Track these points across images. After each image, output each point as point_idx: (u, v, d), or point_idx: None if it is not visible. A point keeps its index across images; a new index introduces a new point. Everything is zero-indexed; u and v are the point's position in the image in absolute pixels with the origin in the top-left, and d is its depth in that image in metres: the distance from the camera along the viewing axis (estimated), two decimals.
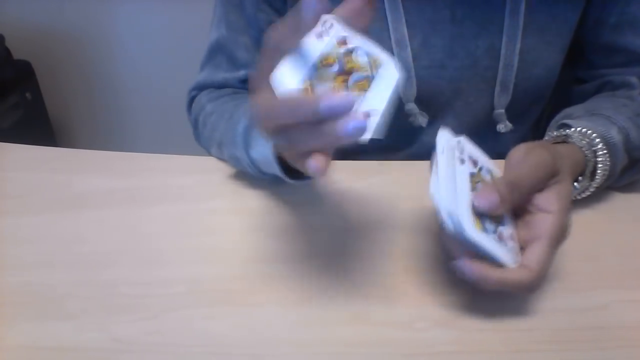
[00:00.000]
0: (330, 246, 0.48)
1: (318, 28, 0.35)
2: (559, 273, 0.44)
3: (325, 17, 0.35)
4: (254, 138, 0.49)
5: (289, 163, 0.44)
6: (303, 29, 0.34)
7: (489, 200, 0.37)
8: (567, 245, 0.46)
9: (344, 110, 0.30)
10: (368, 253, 0.46)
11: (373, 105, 0.34)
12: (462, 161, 0.40)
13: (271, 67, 0.34)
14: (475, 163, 0.41)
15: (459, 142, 0.40)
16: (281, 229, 0.50)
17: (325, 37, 0.35)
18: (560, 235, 0.39)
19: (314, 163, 0.34)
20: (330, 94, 0.31)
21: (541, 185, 0.41)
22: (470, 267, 0.37)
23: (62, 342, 0.40)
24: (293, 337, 0.40)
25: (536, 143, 0.43)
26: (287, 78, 0.33)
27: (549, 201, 0.40)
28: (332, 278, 0.44)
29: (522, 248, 0.39)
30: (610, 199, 0.52)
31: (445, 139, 0.39)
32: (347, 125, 0.30)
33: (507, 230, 0.39)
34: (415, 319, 0.41)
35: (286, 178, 0.47)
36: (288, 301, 0.42)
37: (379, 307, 0.42)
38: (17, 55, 1.49)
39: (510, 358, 0.38)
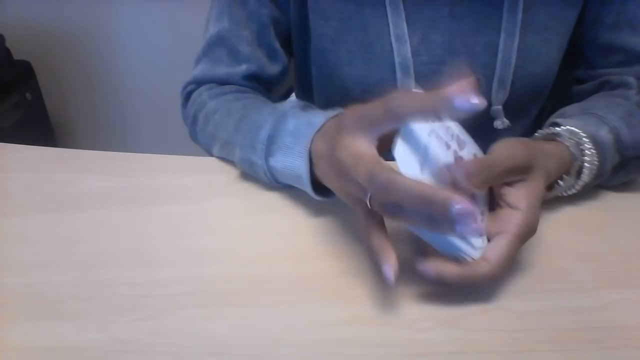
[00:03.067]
0: (331, 246, 0.48)
1: (443, 133, 0.38)
2: (559, 273, 0.44)
3: (449, 124, 0.39)
4: (278, 147, 0.49)
5: (319, 180, 0.46)
6: (428, 110, 0.35)
7: (455, 170, 0.37)
8: (568, 245, 0.47)
9: (470, 219, 0.33)
10: (368, 253, 0.46)
11: None
12: (448, 146, 0.40)
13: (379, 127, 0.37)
14: (461, 145, 0.41)
15: (448, 127, 0.41)
16: (281, 229, 0.50)
17: (452, 147, 0.39)
18: (525, 232, 0.40)
19: (389, 270, 0.38)
20: (462, 199, 0.33)
21: (513, 175, 0.41)
22: (428, 267, 0.38)
23: (62, 342, 0.40)
24: (293, 337, 0.40)
25: (520, 139, 0.44)
26: (411, 165, 0.36)
27: (517, 198, 0.41)
28: (333, 278, 0.44)
29: (488, 240, 0.40)
30: (611, 199, 0.52)
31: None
32: (467, 229, 0.33)
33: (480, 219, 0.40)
34: (416, 319, 0.41)
35: (315, 195, 0.48)
36: (288, 301, 0.42)
37: (379, 307, 0.42)
38: (17, 55, 1.49)
39: (510, 358, 0.38)
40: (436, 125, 0.39)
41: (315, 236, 0.49)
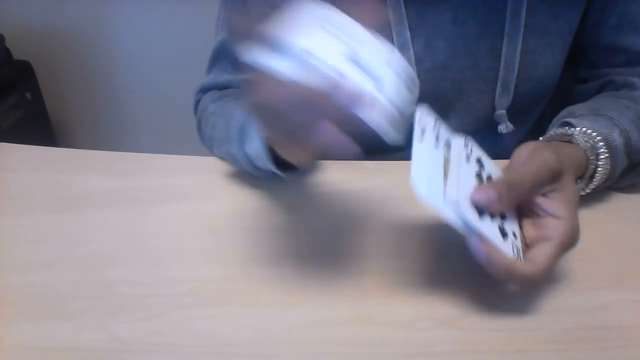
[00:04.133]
0: (331, 246, 0.48)
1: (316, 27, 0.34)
2: (559, 273, 0.44)
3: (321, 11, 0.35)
4: (249, 133, 0.49)
5: (281, 157, 0.45)
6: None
7: (486, 196, 0.38)
8: None
9: (361, 100, 0.31)
10: (368, 253, 0.46)
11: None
12: (468, 159, 0.40)
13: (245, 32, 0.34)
14: (479, 163, 0.41)
15: (466, 141, 0.41)
16: (281, 229, 0.50)
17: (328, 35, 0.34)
18: (570, 240, 0.40)
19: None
20: (345, 86, 0.31)
21: (544, 185, 0.41)
22: (481, 247, 0.37)
23: (62, 342, 0.40)
24: (293, 337, 0.40)
25: (543, 143, 0.43)
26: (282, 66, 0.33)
27: (556, 206, 0.40)
28: (333, 278, 0.44)
29: (530, 247, 0.40)
30: (611, 199, 0.52)
31: (424, 117, 0.40)
32: (370, 115, 0.31)
33: (509, 226, 0.40)
34: (416, 319, 0.41)
35: (278, 171, 0.48)
36: (288, 301, 0.42)
37: (379, 307, 0.42)
38: (17, 55, 1.49)
39: (510, 358, 0.38)
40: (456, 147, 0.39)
41: (315, 236, 0.49)
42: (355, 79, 0.33)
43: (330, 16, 0.35)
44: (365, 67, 0.33)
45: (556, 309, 0.41)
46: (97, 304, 0.42)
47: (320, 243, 0.48)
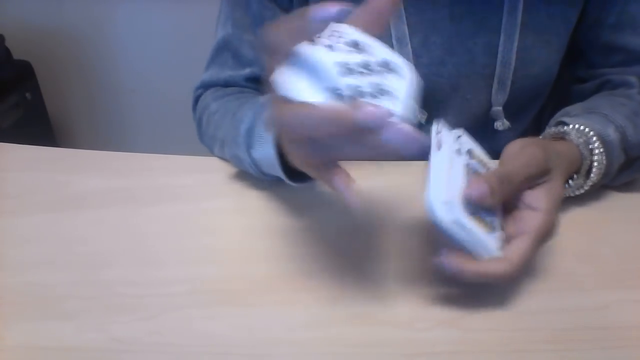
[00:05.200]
0: (330, 246, 0.48)
1: (325, 39, 0.34)
2: (559, 273, 0.44)
3: (334, 26, 0.34)
4: (256, 138, 0.49)
5: (291, 165, 0.44)
6: (306, 33, 0.33)
7: (478, 190, 0.38)
8: (568, 245, 0.47)
9: (382, 121, 0.30)
10: (367, 253, 0.46)
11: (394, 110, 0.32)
12: (459, 152, 0.40)
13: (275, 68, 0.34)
14: (471, 155, 0.41)
15: (459, 136, 0.41)
16: (281, 229, 0.50)
17: (337, 50, 0.34)
18: (545, 233, 0.40)
19: (339, 181, 0.35)
20: (364, 105, 0.30)
21: (532, 181, 0.41)
22: (450, 261, 0.38)
23: (61, 342, 0.40)
24: (293, 337, 0.40)
25: (532, 139, 0.44)
26: (306, 91, 0.33)
27: (538, 199, 0.41)
28: (332, 278, 0.44)
29: (507, 241, 0.40)
30: (610, 199, 0.52)
31: (442, 134, 0.40)
32: (393, 135, 0.30)
33: (497, 222, 0.40)
34: (415, 319, 0.41)
35: (287, 180, 0.47)
36: (288, 301, 0.42)
37: (379, 307, 0.42)
38: (17, 55, 1.49)
39: (510, 358, 0.38)
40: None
41: (315, 236, 0.49)
42: (374, 96, 0.32)
43: (342, 28, 0.34)
44: (382, 83, 0.33)
45: (556, 309, 0.41)
46: (96, 304, 0.42)
47: (320, 243, 0.48)
